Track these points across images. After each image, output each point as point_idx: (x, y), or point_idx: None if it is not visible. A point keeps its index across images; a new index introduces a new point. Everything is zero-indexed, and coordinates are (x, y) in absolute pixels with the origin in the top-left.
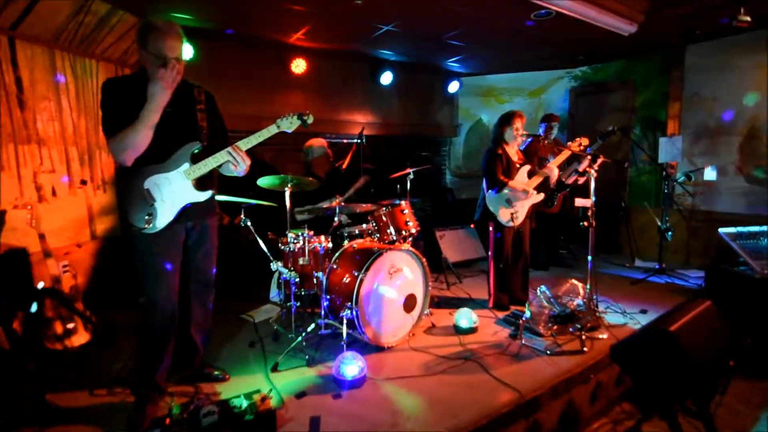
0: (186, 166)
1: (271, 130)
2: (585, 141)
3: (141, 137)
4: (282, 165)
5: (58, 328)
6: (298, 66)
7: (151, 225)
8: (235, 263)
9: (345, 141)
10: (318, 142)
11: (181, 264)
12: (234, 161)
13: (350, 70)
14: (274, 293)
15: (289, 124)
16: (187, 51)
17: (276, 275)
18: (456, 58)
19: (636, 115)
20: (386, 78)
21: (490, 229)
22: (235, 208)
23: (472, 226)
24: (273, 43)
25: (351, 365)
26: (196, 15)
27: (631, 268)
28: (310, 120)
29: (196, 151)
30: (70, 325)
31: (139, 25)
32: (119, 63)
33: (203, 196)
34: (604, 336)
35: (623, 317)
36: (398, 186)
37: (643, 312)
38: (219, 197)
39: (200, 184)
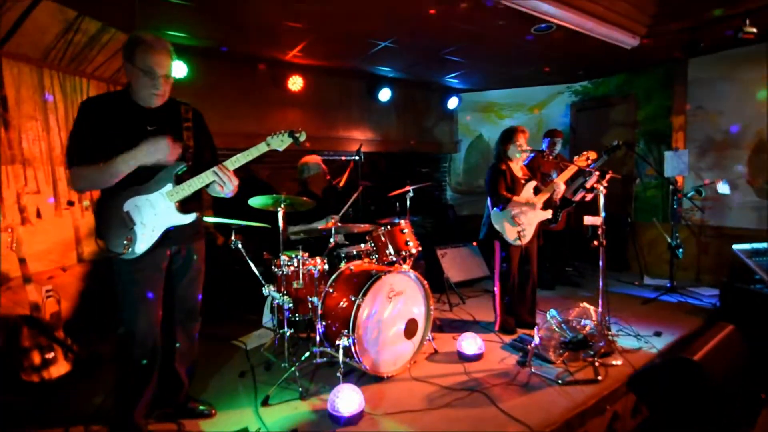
0: (169, 187)
1: (260, 149)
2: (593, 155)
3: (104, 181)
4: (279, 183)
5: (36, 358)
6: (295, 83)
7: (129, 250)
8: (229, 285)
9: (343, 158)
10: (313, 160)
11: (165, 291)
12: (220, 182)
13: (348, 86)
14: (267, 318)
15: (280, 142)
16: (180, 68)
17: (269, 299)
18: (455, 74)
19: (639, 129)
20: (384, 94)
21: (496, 248)
22: (230, 228)
23: (474, 243)
24: (269, 60)
25: (347, 399)
26: (190, 32)
27: (641, 287)
28: (303, 138)
29: (180, 171)
30: (50, 355)
31: (127, 39)
32: (111, 81)
33: (187, 219)
34: (619, 362)
35: (637, 341)
36: (397, 204)
37: (658, 334)
38: (208, 219)
39: (184, 206)
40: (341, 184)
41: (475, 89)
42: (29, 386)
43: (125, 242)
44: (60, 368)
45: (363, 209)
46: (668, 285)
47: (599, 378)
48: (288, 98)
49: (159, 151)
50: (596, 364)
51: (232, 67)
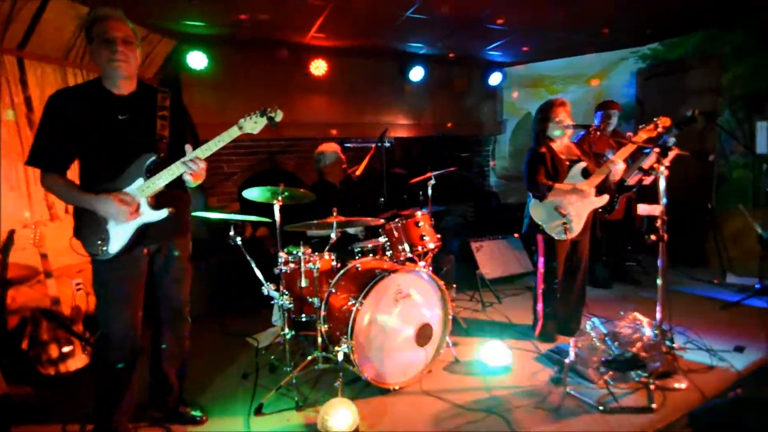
0: (140, 181)
1: (232, 134)
2: (665, 121)
3: (65, 200)
4: (305, 174)
5: (54, 351)
6: (318, 67)
7: (103, 250)
8: (253, 279)
9: (373, 145)
10: (330, 148)
11: (149, 291)
12: (189, 171)
13: (376, 67)
14: (276, 317)
15: (254, 124)
16: (200, 60)
17: None
18: (496, 44)
19: (724, 97)
20: (417, 74)
21: (539, 243)
22: (256, 221)
23: (516, 235)
24: (289, 45)
25: (338, 416)
26: (206, 20)
27: (721, 286)
28: (278, 117)
29: (152, 164)
30: (67, 349)
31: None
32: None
33: (159, 215)
34: (683, 385)
35: (710, 357)
36: (420, 193)
37: (739, 350)
38: (197, 213)
39: (157, 201)
40: (357, 173)
41: (521, 61)
42: (45, 379)
43: (99, 242)
44: (77, 362)
45: (395, 198)
46: (757, 286)
47: (653, 406)
48: (312, 84)
49: (111, 213)
50: (651, 387)
51: (252, 55)
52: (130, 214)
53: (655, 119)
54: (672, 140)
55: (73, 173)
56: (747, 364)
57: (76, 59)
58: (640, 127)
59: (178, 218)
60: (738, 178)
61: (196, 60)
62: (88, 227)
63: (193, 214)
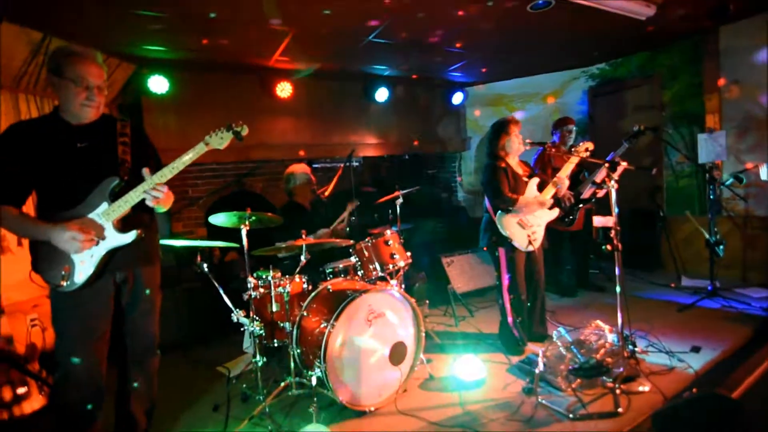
0: (104, 206)
1: (198, 150)
2: (590, 145)
3: (19, 233)
4: (274, 195)
5: (7, 394)
6: (284, 90)
7: (68, 282)
8: (222, 306)
9: (341, 165)
10: (300, 169)
11: (116, 326)
12: (152, 200)
13: (342, 89)
14: (248, 343)
15: (220, 140)
16: (161, 84)
17: None
18: (457, 66)
19: (666, 112)
20: (381, 95)
21: (502, 257)
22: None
23: (485, 249)
24: (254, 68)
25: None
26: (167, 45)
27: (677, 290)
28: (245, 132)
29: (116, 188)
30: (21, 390)
31: (51, 51)
32: None
33: (127, 238)
34: (646, 388)
35: (669, 359)
36: (389, 211)
37: (696, 350)
38: (163, 241)
39: (124, 224)
40: (326, 193)
41: (481, 81)
42: None
43: (63, 273)
44: (33, 403)
45: (365, 218)
46: (709, 288)
47: (619, 410)
48: (278, 106)
49: (65, 243)
50: (617, 392)
51: (215, 78)
52: (86, 242)
53: (582, 142)
54: (620, 150)
55: (29, 206)
56: (703, 364)
57: (29, 86)
58: (575, 148)
59: (147, 246)
60: (684, 186)
61: (158, 84)
62: (49, 258)
63: (160, 242)
